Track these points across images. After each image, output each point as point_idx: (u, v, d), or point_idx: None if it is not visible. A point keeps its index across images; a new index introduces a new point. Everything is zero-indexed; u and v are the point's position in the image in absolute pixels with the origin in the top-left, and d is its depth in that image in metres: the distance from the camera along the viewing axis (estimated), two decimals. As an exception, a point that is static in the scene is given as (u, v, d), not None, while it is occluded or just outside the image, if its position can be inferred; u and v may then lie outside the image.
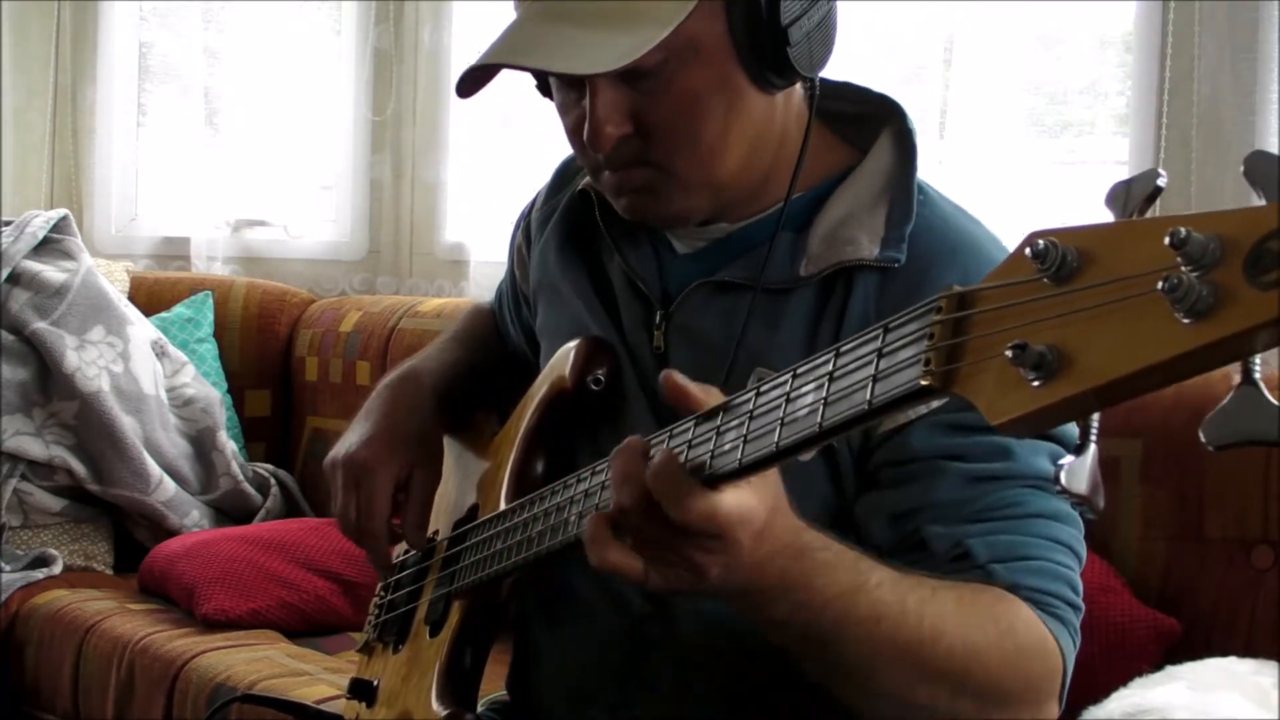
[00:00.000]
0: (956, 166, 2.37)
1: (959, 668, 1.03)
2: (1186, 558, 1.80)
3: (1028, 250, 0.67)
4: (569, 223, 1.37)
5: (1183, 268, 0.60)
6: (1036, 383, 0.66)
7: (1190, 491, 1.79)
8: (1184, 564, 1.81)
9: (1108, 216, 0.68)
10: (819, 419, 0.80)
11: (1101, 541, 1.80)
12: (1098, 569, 1.76)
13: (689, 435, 0.93)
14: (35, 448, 2.76)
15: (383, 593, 1.48)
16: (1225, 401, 0.62)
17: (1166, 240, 0.60)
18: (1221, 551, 1.78)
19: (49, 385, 2.81)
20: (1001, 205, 2.29)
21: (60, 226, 3.05)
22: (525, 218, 1.48)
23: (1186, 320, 0.60)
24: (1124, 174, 2.16)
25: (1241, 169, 0.61)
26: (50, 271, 2.93)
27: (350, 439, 1.38)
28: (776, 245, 1.20)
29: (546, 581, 1.31)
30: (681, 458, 0.92)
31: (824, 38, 1.17)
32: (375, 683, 1.39)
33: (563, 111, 1.21)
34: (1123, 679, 1.56)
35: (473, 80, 1.16)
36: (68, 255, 3.00)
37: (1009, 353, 0.66)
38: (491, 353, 1.55)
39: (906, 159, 1.21)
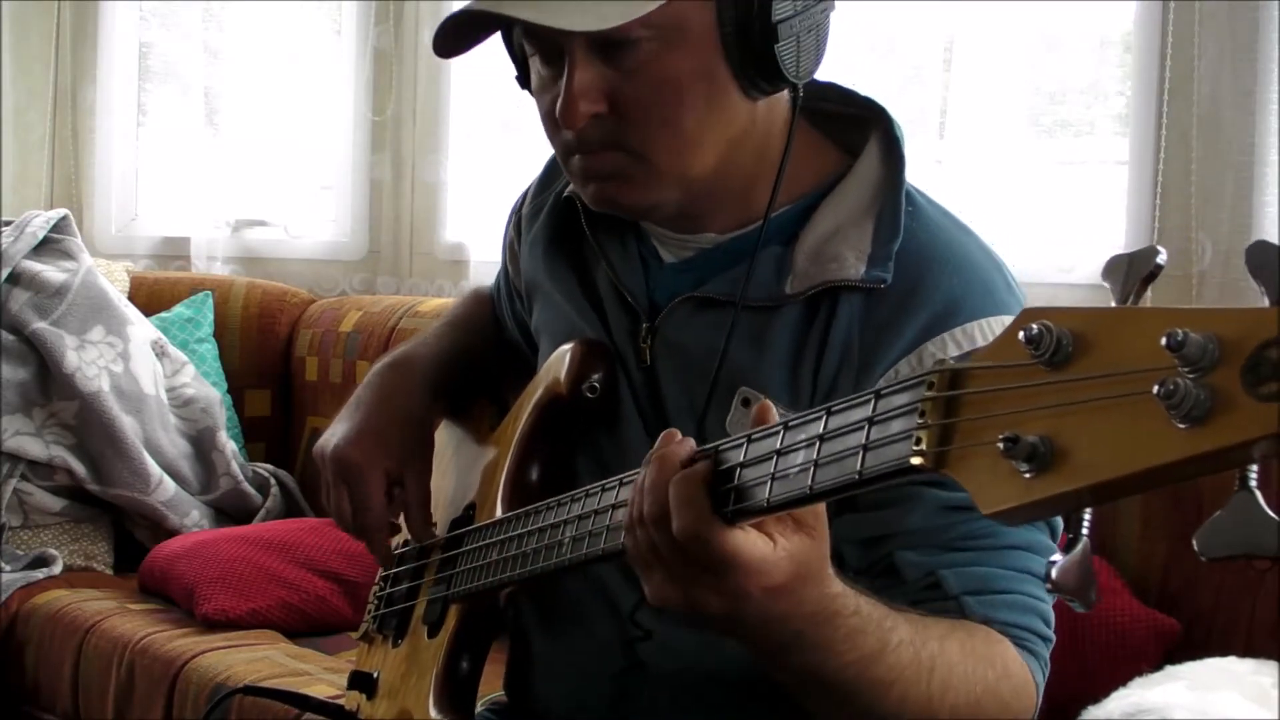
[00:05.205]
0: (956, 167, 2.36)
1: (956, 717, 1.04)
2: (1186, 558, 1.80)
3: (1021, 334, 0.66)
4: (554, 226, 1.34)
5: (1180, 368, 0.58)
6: (1029, 474, 0.64)
7: (1190, 491, 1.79)
8: (1184, 564, 1.80)
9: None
10: (809, 479, 0.81)
11: (1101, 541, 1.80)
12: (1098, 569, 1.75)
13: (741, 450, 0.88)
14: (35, 448, 2.76)
15: (382, 583, 1.48)
16: (1220, 512, 0.60)
17: (1164, 342, 0.59)
18: (1221, 551, 1.77)
19: (49, 385, 2.81)
20: (1001, 205, 2.29)
21: (60, 226, 3.05)
22: (516, 212, 1.45)
23: (1183, 425, 0.58)
24: (1124, 174, 2.18)
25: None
26: (50, 271, 2.93)
27: (340, 429, 1.36)
28: (763, 260, 1.17)
29: (543, 589, 1.30)
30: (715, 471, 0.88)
31: (814, 45, 1.14)
32: (375, 675, 1.39)
33: (539, 94, 1.18)
34: (1123, 679, 1.56)
35: (452, 38, 1.14)
36: (68, 255, 3.00)
37: (1001, 445, 0.65)
38: (489, 339, 1.52)
39: (894, 169, 1.17)
